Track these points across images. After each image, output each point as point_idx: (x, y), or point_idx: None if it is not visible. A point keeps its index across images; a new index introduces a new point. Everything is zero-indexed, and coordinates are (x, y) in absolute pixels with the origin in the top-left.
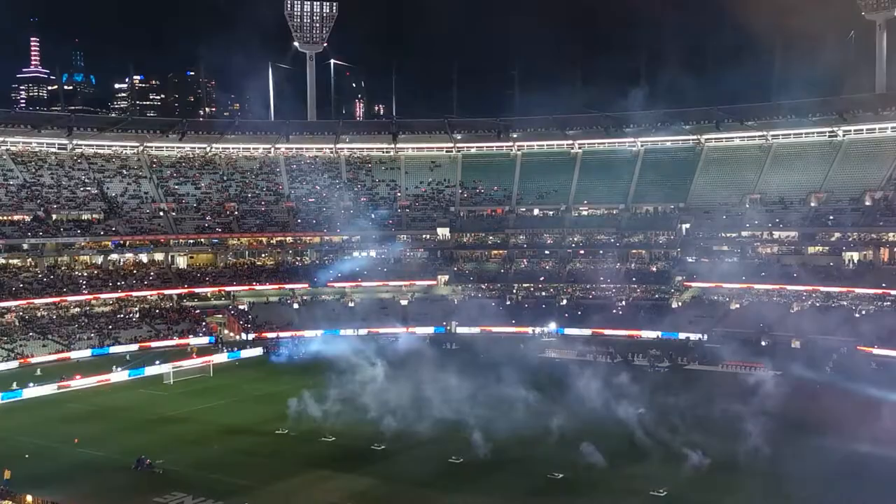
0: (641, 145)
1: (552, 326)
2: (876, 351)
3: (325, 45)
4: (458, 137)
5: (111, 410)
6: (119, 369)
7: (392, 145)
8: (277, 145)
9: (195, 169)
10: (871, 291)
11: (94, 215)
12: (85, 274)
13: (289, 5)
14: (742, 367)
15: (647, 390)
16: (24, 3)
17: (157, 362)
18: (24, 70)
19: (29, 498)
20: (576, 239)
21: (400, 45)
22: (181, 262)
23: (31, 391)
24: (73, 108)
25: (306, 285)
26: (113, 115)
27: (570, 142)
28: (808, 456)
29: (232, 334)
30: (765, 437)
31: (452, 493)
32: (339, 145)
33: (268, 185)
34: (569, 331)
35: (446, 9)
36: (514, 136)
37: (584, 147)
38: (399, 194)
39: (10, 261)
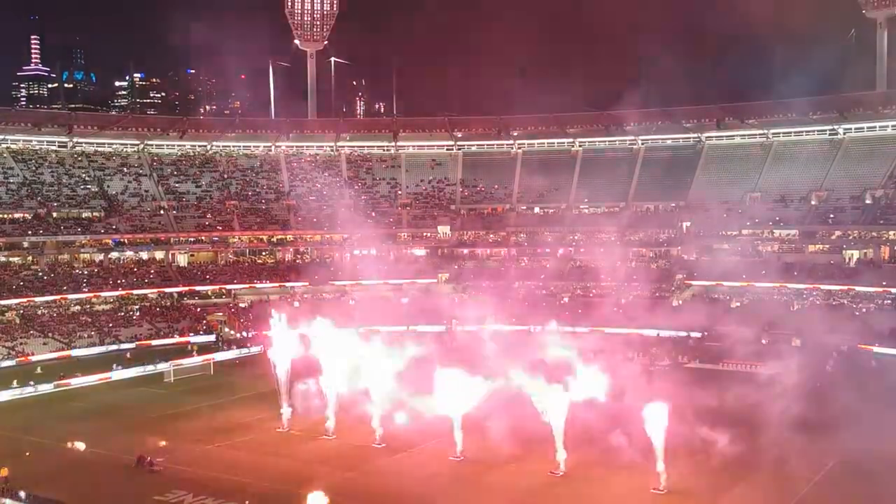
0: (642, 143)
1: (552, 324)
2: (877, 349)
3: (326, 42)
4: (459, 135)
5: (112, 408)
6: (118, 366)
7: (392, 143)
8: (278, 143)
9: (196, 167)
10: (872, 289)
11: (94, 213)
12: (85, 272)
13: (289, 3)
14: (742, 365)
15: (647, 387)
16: (24, 1)
17: (158, 361)
18: (25, 68)
19: (22, 494)
20: (576, 237)
21: (400, 43)
22: (182, 260)
23: (32, 389)
24: (73, 105)
25: (307, 283)
26: (113, 112)
27: (571, 140)
28: (808, 453)
29: (233, 332)
30: (763, 435)
31: (453, 491)
32: (339, 143)
33: (268, 183)
34: (569, 328)
35: (446, 6)
36: (515, 133)
37: (585, 145)
38: (399, 192)
39: (11, 259)
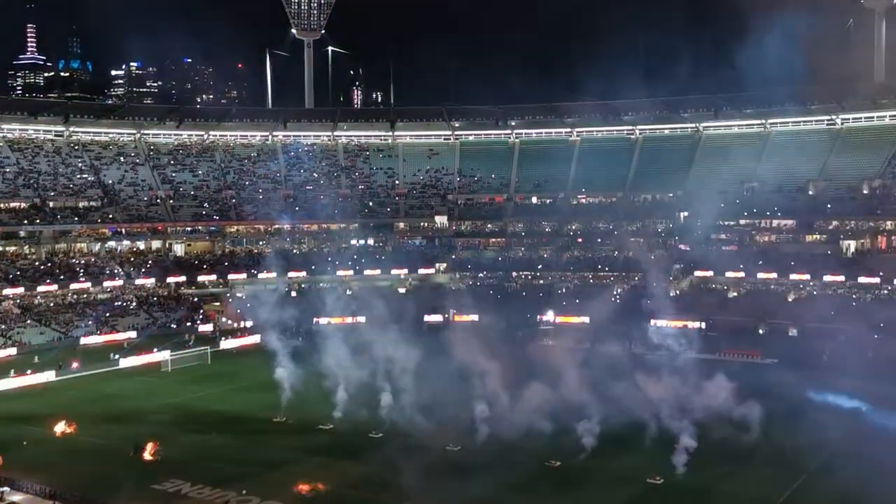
0: (640, 133)
1: (550, 315)
2: (873, 339)
3: (323, 31)
4: (457, 125)
5: (109, 398)
6: (116, 356)
7: (390, 133)
8: (275, 132)
9: (192, 156)
10: (869, 280)
11: (91, 202)
12: (82, 261)
13: None
14: (739, 356)
15: (645, 378)
16: None
17: (156, 350)
18: (21, 57)
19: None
20: (574, 227)
21: (398, 33)
22: (179, 249)
23: (29, 378)
24: (69, 94)
25: (304, 273)
26: (110, 102)
27: (569, 129)
28: (802, 444)
29: (230, 322)
30: (759, 425)
31: (450, 481)
32: (336, 132)
33: (265, 173)
34: (566, 319)
35: None
36: (513, 123)
37: (583, 135)
38: (397, 182)
39: (7, 248)
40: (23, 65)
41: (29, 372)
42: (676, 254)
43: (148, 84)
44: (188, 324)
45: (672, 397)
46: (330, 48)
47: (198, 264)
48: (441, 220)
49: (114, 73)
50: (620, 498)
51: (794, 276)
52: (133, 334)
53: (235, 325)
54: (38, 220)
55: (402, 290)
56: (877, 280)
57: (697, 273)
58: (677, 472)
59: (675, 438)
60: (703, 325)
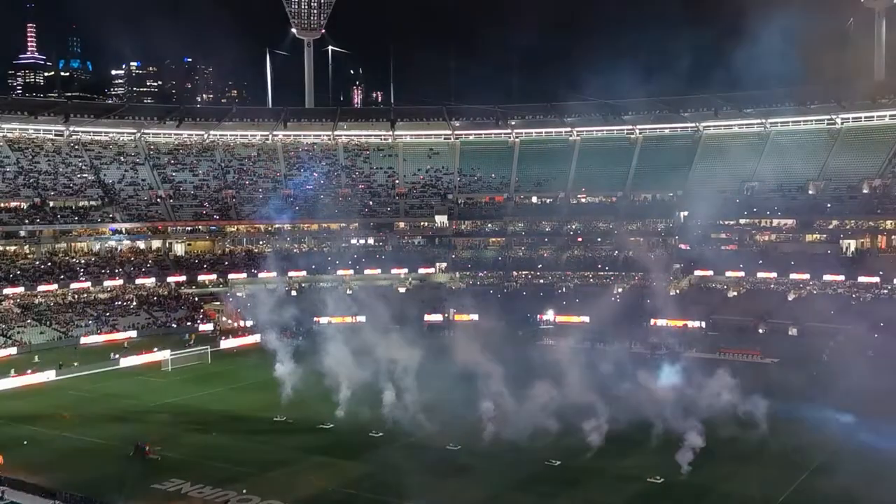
0: (640, 133)
1: (550, 314)
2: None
3: (323, 31)
4: (457, 125)
5: (109, 397)
6: (116, 356)
7: (390, 132)
8: (275, 132)
9: (193, 156)
10: (869, 279)
11: (91, 202)
12: (82, 261)
13: None
14: (739, 355)
15: (644, 377)
16: None
17: (156, 349)
18: (21, 56)
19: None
20: (574, 227)
21: (398, 33)
22: (179, 249)
23: (29, 378)
24: (69, 94)
25: (304, 273)
26: (110, 101)
27: (569, 129)
28: (803, 443)
29: (230, 322)
30: (760, 424)
31: (449, 479)
32: (336, 132)
33: (265, 172)
34: (567, 318)
35: None
36: (513, 123)
37: (583, 134)
38: (397, 181)
39: (7, 248)
40: (23, 65)
41: (29, 371)
42: (676, 253)
43: (148, 84)
44: (188, 323)
45: (672, 396)
46: (330, 48)
47: (198, 264)
48: (441, 219)
49: (114, 72)
50: (621, 497)
51: (794, 276)
52: (133, 334)
53: (236, 324)
54: (38, 220)
55: (402, 290)
56: (877, 279)
57: (697, 272)
58: (681, 471)
59: (678, 437)
60: (704, 324)
